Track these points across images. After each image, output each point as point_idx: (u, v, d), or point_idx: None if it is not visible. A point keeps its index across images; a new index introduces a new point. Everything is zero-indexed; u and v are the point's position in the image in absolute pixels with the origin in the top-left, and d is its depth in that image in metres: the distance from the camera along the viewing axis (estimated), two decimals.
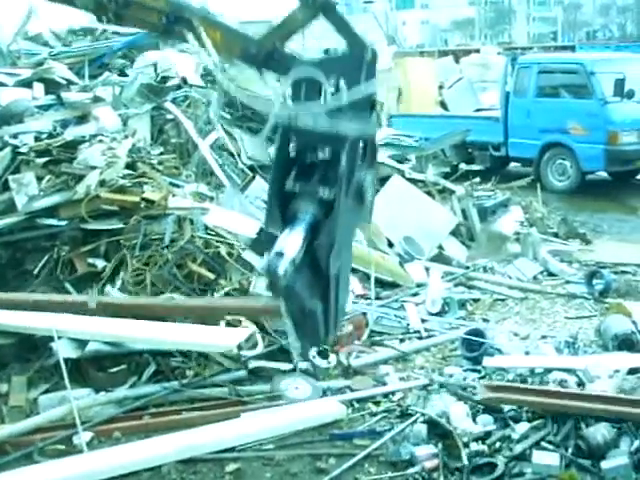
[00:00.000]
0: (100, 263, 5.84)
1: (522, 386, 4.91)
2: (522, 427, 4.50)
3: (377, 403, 5.00)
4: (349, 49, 4.47)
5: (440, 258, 7.69)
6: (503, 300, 7.10)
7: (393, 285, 6.82)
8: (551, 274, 7.84)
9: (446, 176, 9.87)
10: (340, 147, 4.20)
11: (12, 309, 5.54)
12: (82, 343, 5.18)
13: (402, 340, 6.01)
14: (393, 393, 5.12)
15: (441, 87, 16.60)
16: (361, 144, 4.44)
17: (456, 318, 6.53)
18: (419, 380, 5.25)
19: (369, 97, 4.38)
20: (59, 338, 5.11)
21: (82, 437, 4.48)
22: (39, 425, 4.64)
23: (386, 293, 6.70)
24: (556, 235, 9.18)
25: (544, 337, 6.05)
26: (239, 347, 4.72)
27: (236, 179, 7.28)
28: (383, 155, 8.49)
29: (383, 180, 8.01)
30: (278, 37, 4.60)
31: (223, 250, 5.84)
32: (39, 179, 6.47)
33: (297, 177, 4.34)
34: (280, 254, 4.01)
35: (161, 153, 7.18)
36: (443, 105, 16.11)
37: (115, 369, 5.02)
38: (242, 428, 4.56)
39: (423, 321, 6.32)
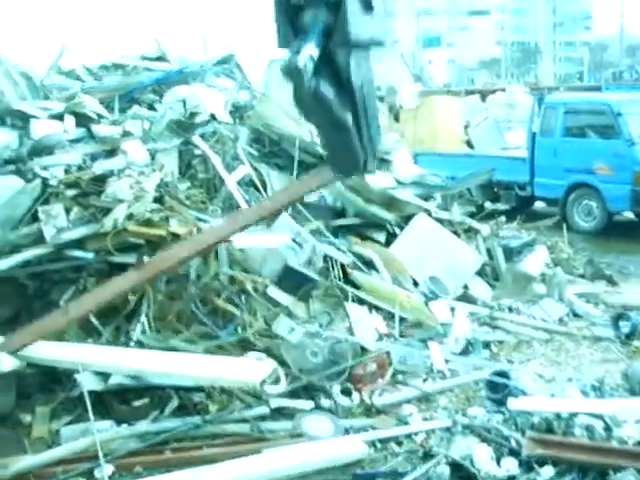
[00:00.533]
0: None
1: (568, 441, 4.75)
2: (547, 471, 4.44)
3: (400, 443, 4.96)
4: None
5: (465, 297, 7.64)
6: (528, 341, 7.03)
7: (417, 324, 6.77)
8: (577, 316, 7.76)
9: (472, 215, 9.83)
10: None
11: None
12: (105, 376, 5.20)
13: (426, 380, 5.97)
14: (416, 434, 5.07)
15: (467, 126, 16.64)
16: None
17: (480, 358, 6.47)
18: (442, 421, 5.20)
19: None
20: (83, 370, 5.15)
21: (104, 470, 4.48)
22: (61, 457, 4.65)
23: (410, 332, 6.65)
24: (582, 276, 9.10)
25: (570, 380, 5.97)
26: (262, 383, 4.69)
27: None
28: (409, 193, 8.50)
29: (408, 218, 8.03)
30: None
31: (248, 285, 5.87)
32: (68, 211, 6.53)
33: None
34: (297, 52, 3.99)
35: (188, 187, 7.23)
36: (469, 144, 16.14)
37: (138, 403, 5.03)
38: (264, 465, 4.53)
39: (447, 361, 6.26)
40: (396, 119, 17.39)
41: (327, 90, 4.25)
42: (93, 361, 5.18)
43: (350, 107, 4.45)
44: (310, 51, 4.04)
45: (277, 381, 5.14)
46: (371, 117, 4.62)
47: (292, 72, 3.96)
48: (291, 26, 4.30)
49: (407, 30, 57.37)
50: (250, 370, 4.98)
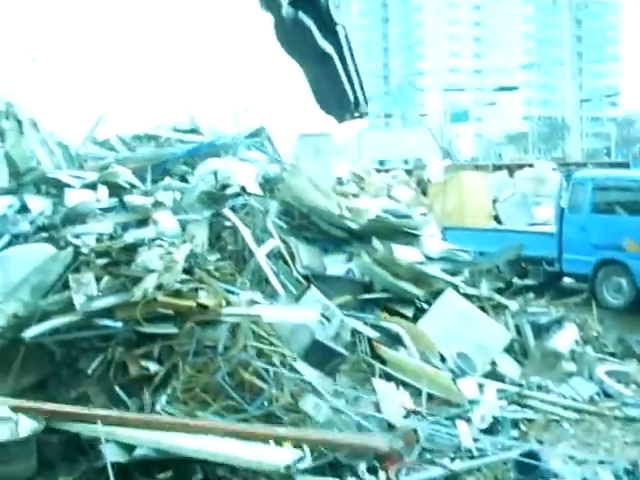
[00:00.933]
0: (153, 366, 5.86)
1: None
2: None
3: None
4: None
5: (493, 374, 7.54)
6: (558, 421, 6.90)
7: (445, 401, 6.68)
8: (608, 395, 7.60)
9: (499, 291, 9.78)
10: None
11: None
12: (129, 447, 5.17)
13: (453, 459, 5.84)
14: None
15: (495, 201, 16.67)
16: None
17: (509, 438, 6.34)
18: None
19: None
20: (107, 441, 5.13)
21: None
22: None
23: (437, 409, 6.55)
24: (612, 354, 8.95)
25: (602, 463, 5.83)
26: (288, 468, 4.61)
27: (291, 288, 7.34)
28: (437, 268, 8.50)
29: (436, 293, 8.00)
30: None
31: (276, 359, 5.85)
32: (98, 280, 6.61)
33: None
34: None
35: (218, 259, 7.28)
36: (497, 219, 16.14)
37: (162, 475, 4.96)
38: None
39: (475, 440, 6.15)
40: (424, 193, 17.47)
41: (306, 19, 4.26)
42: (117, 432, 5.15)
43: (334, 47, 4.48)
44: None
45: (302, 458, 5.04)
46: (357, 60, 4.70)
47: (269, 1, 4.05)
48: None
49: (435, 105, 58.19)
50: (277, 453, 4.89)
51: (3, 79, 15.03)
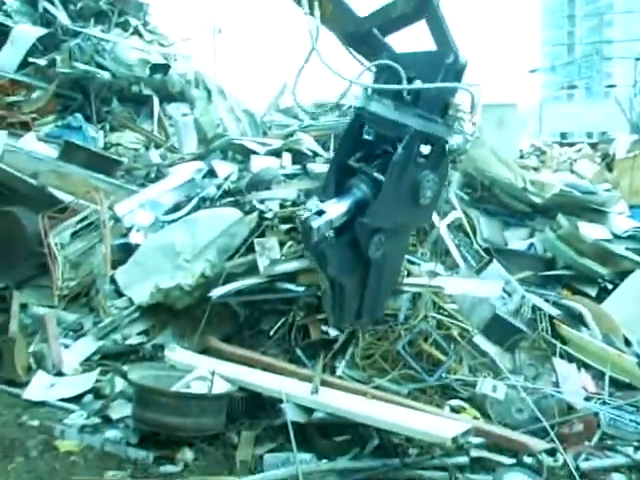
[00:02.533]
0: (333, 332, 5.96)
1: None
2: None
3: None
4: (436, 48, 4.40)
5: None
6: None
7: (629, 387, 6.38)
8: None
9: None
10: (401, 137, 4.27)
11: (245, 365, 5.86)
12: (309, 408, 5.31)
13: (637, 448, 5.58)
14: None
15: None
16: (427, 144, 4.41)
17: None
18: None
19: (441, 99, 4.26)
20: (287, 402, 5.31)
21: None
22: None
23: (620, 394, 6.27)
24: None
25: None
26: (454, 440, 4.57)
27: (471, 261, 7.24)
28: (624, 247, 8.09)
29: (623, 274, 7.63)
30: (376, 21, 4.61)
31: (455, 331, 5.81)
32: (282, 244, 6.79)
33: (360, 157, 4.50)
34: (320, 212, 4.16)
35: None
36: None
37: (339, 438, 5.07)
38: None
39: None
40: (609, 169, 16.64)
41: (333, 256, 4.36)
42: (297, 394, 5.30)
43: (360, 275, 4.56)
44: (333, 214, 4.22)
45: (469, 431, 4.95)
46: (383, 289, 4.75)
47: (305, 229, 4.17)
48: (337, 184, 4.49)
49: (624, 75, 55.06)
50: (446, 425, 4.85)
51: (193, 51, 15.69)
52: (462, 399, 5.52)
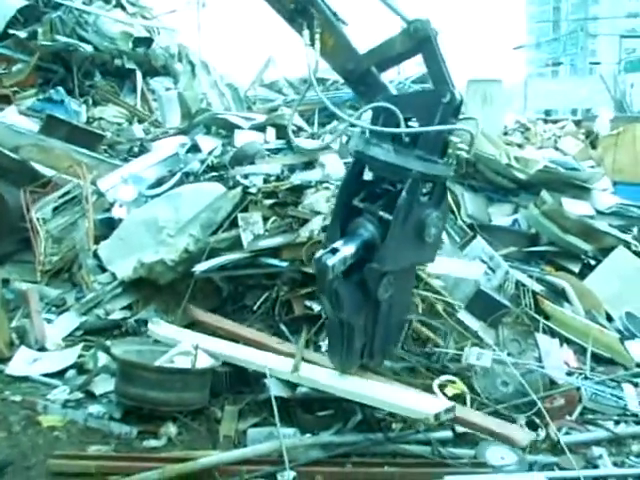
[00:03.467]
0: (317, 307, 5.96)
1: None
2: None
3: None
4: (433, 87, 4.53)
5: None
6: None
7: (610, 362, 6.43)
8: None
9: None
10: (403, 180, 4.42)
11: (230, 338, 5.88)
12: (293, 383, 5.32)
13: (617, 422, 5.62)
14: (605, 478, 4.81)
15: None
16: (428, 183, 4.59)
17: None
18: (635, 469, 4.90)
19: (440, 139, 4.34)
20: (270, 376, 5.31)
21: (286, 475, 4.58)
22: (246, 457, 4.76)
23: (602, 369, 6.33)
24: None
25: None
26: (436, 417, 4.57)
27: (455, 237, 7.24)
28: (605, 224, 8.13)
29: (606, 250, 7.67)
30: (375, 60, 4.66)
31: (439, 307, 5.82)
32: (265, 219, 6.77)
33: (364, 198, 4.66)
34: (334, 250, 4.31)
35: None
36: None
37: (322, 413, 5.08)
38: None
39: None
40: (593, 146, 16.68)
41: (345, 295, 4.47)
42: (281, 369, 5.30)
43: (370, 315, 4.69)
44: (346, 253, 4.36)
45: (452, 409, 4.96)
46: (394, 327, 4.92)
47: (320, 267, 4.29)
48: (342, 225, 4.64)
49: (609, 52, 55.10)
50: (429, 402, 4.85)
51: (177, 24, 15.55)
52: (450, 374, 5.54)
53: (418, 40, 4.54)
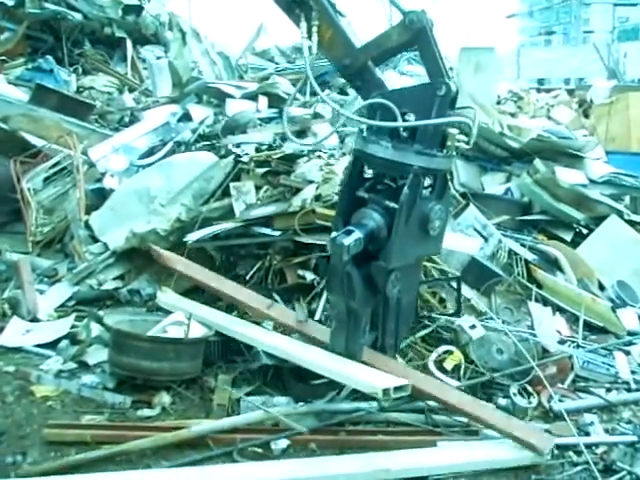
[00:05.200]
0: (309, 276, 5.96)
1: None
2: None
3: (579, 453, 4.72)
4: (429, 80, 4.55)
5: None
6: None
7: (602, 330, 6.46)
8: None
9: None
10: (404, 177, 4.46)
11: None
12: None
13: (609, 390, 5.67)
14: (597, 445, 4.84)
15: None
16: (429, 177, 4.62)
17: None
18: (627, 436, 4.94)
19: (439, 132, 4.37)
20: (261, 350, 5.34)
21: (280, 443, 4.62)
22: (239, 425, 4.79)
23: (594, 338, 6.36)
24: None
25: None
26: (385, 392, 4.47)
27: None
28: (598, 193, 8.12)
29: (598, 219, 7.67)
30: (371, 54, 4.66)
31: (435, 275, 5.83)
32: (257, 188, 6.74)
33: (368, 189, 4.69)
34: (349, 231, 4.33)
35: None
36: None
37: (316, 382, 5.08)
38: (438, 458, 4.50)
39: (633, 372, 5.93)
40: (586, 115, 16.64)
41: (358, 282, 4.47)
42: (271, 344, 5.30)
43: (379, 310, 4.75)
44: (360, 235, 4.36)
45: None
46: (403, 322, 4.94)
47: (335, 247, 4.28)
48: (347, 217, 4.64)
49: (602, 21, 54.74)
50: (382, 378, 4.70)
51: None
52: (446, 343, 5.57)
53: (414, 32, 4.53)
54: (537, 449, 4.50)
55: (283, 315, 5.60)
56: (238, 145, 7.53)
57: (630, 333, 6.50)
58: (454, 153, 4.64)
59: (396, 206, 4.43)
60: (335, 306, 4.89)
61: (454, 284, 5.90)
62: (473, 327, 5.55)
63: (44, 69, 11.19)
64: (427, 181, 4.67)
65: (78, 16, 12.44)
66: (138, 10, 13.45)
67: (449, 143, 4.51)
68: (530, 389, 5.36)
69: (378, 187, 4.73)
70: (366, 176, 4.80)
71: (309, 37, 4.70)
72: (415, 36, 4.56)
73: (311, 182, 6.38)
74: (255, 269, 6.32)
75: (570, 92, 19.42)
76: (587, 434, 4.99)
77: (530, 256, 6.77)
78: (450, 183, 4.96)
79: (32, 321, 6.39)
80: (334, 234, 4.42)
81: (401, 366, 5.19)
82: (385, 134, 4.53)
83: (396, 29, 4.65)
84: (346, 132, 7.68)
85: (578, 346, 6.02)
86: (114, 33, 13.11)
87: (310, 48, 4.73)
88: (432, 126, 4.42)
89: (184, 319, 5.46)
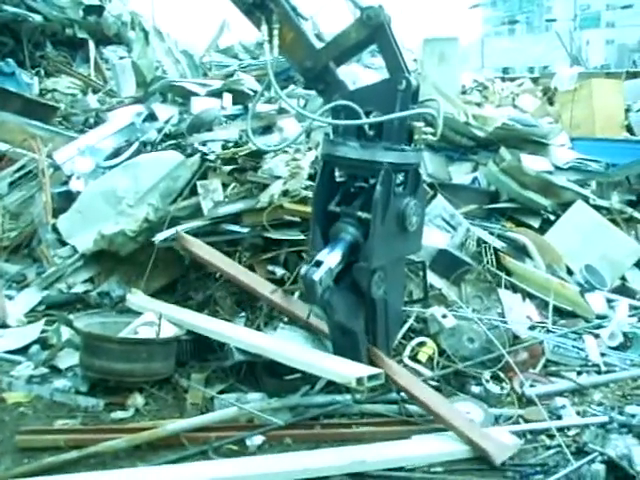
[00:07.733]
0: (279, 271, 5.95)
1: None
2: None
3: (551, 436, 4.77)
4: (388, 76, 4.58)
5: (623, 290, 7.29)
6: None
7: (571, 314, 6.53)
8: None
9: (630, 204, 9.37)
10: (375, 175, 4.45)
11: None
12: None
13: (579, 373, 5.74)
14: (569, 428, 4.90)
15: (628, 110, 15.80)
16: (400, 173, 4.63)
17: (639, 355, 6.16)
18: (598, 417, 5.00)
19: (405, 126, 4.40)
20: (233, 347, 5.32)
21: (255, 440, 4.61)
22: (213, 423, 4.78)
23: (563, 322, 6.43)
24: None
25: None
26: (359, 381, 4.44)
27: None
28: (563, 179, 8.20)
29: (565, 205, 7.74)
30: (332, 54, 4.68)
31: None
32: (225, 186, 6.72)
33: (340, 201, 4.67)
34: (318, 263, 4.30)
35: None
36: (629, 130, 15.34)
37: (289, 377, 5.09)
38: (413, 449, 4.52)
39: (603, 355, 6.01)
40: (550, 102, 16.76)
41: (339, 304, 4.50)
42: (243, 339, 5.29)
43: (369, 314, 4.73)
44: (331, 263, 4.33)
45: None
46: (392, 321, 4.93)
47: (307, 283, 4.27)
48: (324, 233, 4.63)
49: (564, 9, 55.22)
50: (355, 368, 4.66)
51: None
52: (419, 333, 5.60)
53: (372, 28, 4.54)
54: (491, 458, 4.41)
55: (285, 300, 5.63)
56: (204, 143, 7.50)
57: (599, 317, 6.59)
58: (422, 146, 4.66)
59: (369, 216, 4.44)
60: (330, 327, 4.92)
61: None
62: (444, 317, 5.58)
63: (5, 72, 11.04)
64: (399, 178, 4.69)
65: (38, 18, 12.29)
66: (99, 10, 13.32)
67: (416, 137, 4.53)
68: (502, 376, 5.42)
69: (351, 191, 4.72)
70: (338, 181, 4.79)
71: (270, 40, 4.68)
72: (374, 32, 4.56)
73: (278, 178, 6.37)
74: None
75: (534, 80, 19.55)
76: (559, 417, 5.06)
77: (499, 244, 6.82)
78: (422, 177, 4.96)
79: (1, 327, 6.33)
80: (304, 268, 4.39)
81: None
82: (352, 135, 4.54)
83: (354, 26, 4.65)
84: (312, 127, 7.66)
85: (548, 331, 6.10)
86: (76, 34, 12.97)
87: (272, 50, 4.72)
88: (397, 121, 4.43)
89: (155, 320, 5.43)
